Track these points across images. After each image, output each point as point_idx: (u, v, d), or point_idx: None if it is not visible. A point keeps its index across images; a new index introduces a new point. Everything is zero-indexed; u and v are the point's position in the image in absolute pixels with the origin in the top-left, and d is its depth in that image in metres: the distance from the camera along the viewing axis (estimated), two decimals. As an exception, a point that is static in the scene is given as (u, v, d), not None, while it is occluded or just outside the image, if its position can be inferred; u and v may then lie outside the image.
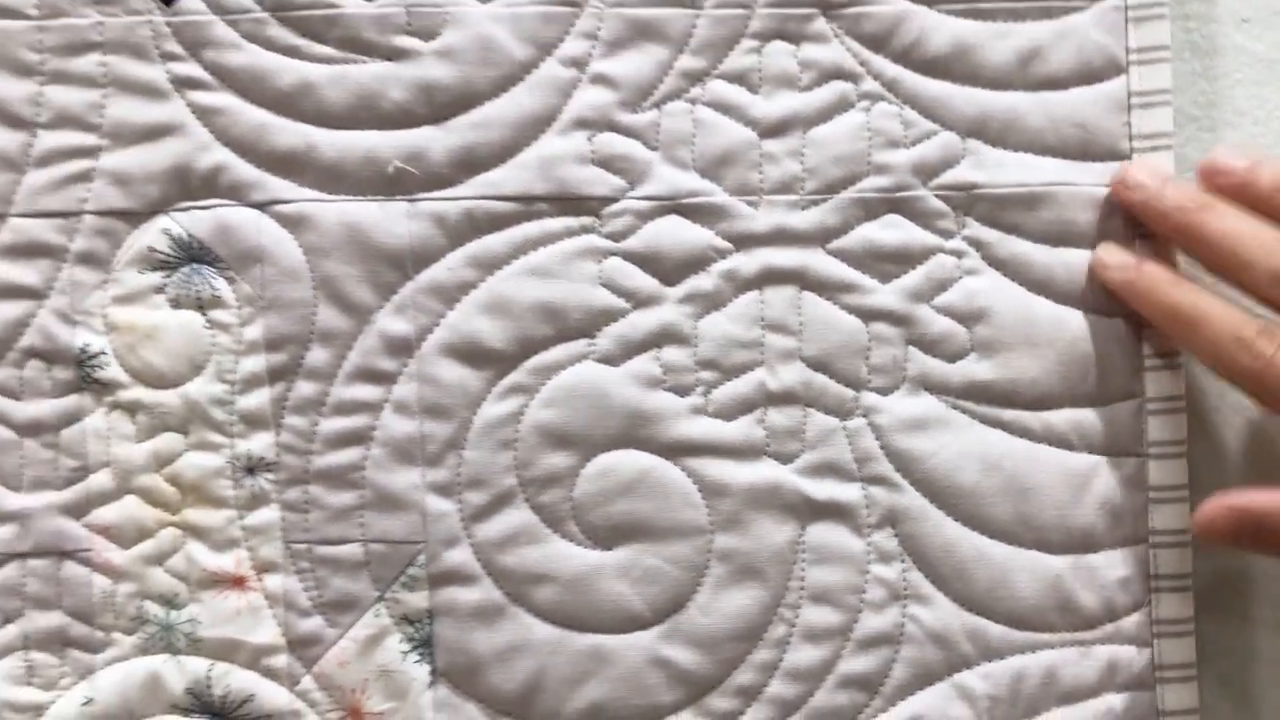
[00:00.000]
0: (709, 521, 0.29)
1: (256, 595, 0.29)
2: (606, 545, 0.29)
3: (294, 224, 0.29)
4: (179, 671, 0.29)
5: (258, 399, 0.29)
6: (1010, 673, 0.29)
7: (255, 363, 0.29)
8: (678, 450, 0.29)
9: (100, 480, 0.29)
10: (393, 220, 0.29)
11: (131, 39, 0.29)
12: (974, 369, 0.29)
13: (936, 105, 0.29)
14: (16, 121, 0.29)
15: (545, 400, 0.29)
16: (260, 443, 0.29)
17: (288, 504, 0.29)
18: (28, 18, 0.29)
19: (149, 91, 0.29)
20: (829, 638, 0.29)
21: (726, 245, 0.29)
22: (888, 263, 0.29)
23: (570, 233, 0.29)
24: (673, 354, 0.29)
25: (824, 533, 0.29)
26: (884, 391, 0.29)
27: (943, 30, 0.29)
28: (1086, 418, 0.29)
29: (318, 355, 0.29)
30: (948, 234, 0.29)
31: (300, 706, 0.29)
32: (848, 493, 0.29)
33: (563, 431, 0.29)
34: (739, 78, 0.29)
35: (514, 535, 0.29)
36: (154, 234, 0.29)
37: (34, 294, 0.29)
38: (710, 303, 0.29)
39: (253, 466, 0.29)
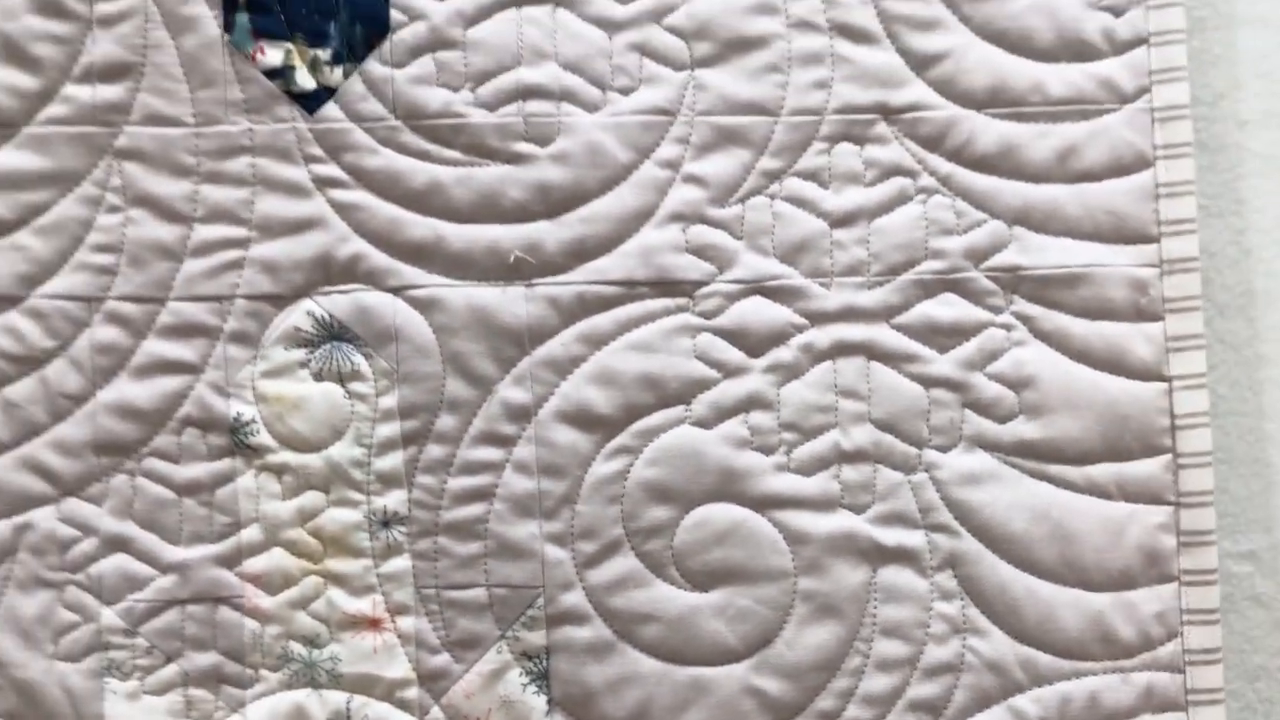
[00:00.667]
0: (793, 566, 0.33)
1: (391, 635, 0.33)
2: (704, 588, 0.33)
3: (425, 306, 0.33)
4: (321, 704, 0.33)
5: (392, 461, 0.33)
6: (1058, 697, 0.33)
7: (390, 429, 0.33)
8: (765, 503, 0.33)
9: (250, 534, 0.33)
10: (513, 302, 0.33)
11: (278, 143, 0.33)
12: (1022, 429, 0.33)
13: (985, 197, 0.33)
14: (176, 216, 0.33)
15: (648, 460, 0.33)
16: (394, 499, 0.33)
17: (419, 553, 0.33)
18: (186, 125, 0.33)
19: (294, 190, 0.33)
20: (899, 667, 0.33)
21: (803, 321, 0.33)
22: (944, 336, 0.33)
23: (668, 312, 0.33)
24: (759, 418, 0.33)
25: (893, 575, 0.33)
26: (943, 449, 0.33)
27: (990, 132, 0.33)
28: (1124, 471, 0.33)
29: (446, 421, 0.33)
30: (997, 310, 0.33)
31: None
32: (913, 539, 0.33)
33: (664, 487, 0.33)
34: (812, 175, 0.33)
35: (622, 580, 0.33)
36: (299, 315, 0.33)
37: (191, 369, 0.33)
38: (790, 372, 0.33)
39: (388, 520, 0.33)
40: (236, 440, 0.33)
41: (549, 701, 0.33)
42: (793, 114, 0.33)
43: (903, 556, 0.33)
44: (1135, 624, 0.33)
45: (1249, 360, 0.35)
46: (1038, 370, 0.33)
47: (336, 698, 0.33)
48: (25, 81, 0.33)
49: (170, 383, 0.33)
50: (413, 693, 0.33)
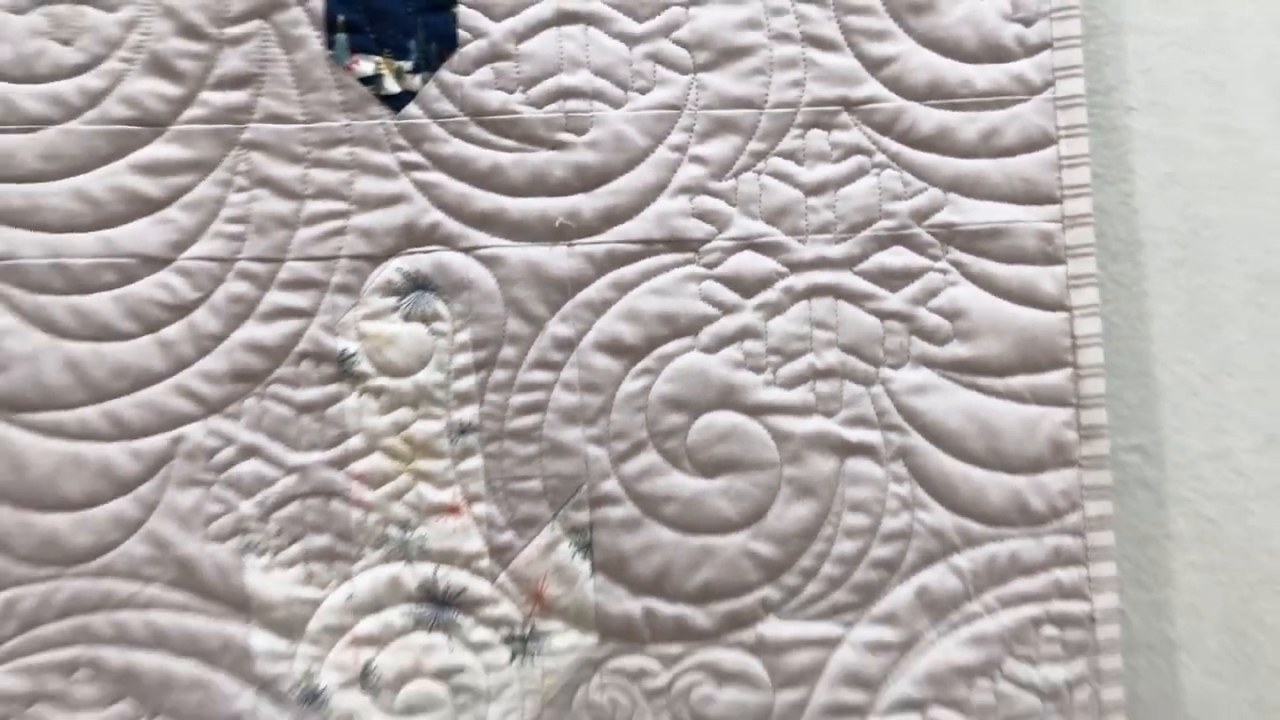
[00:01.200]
0: (779, 458, 0.42)
1: (467, 519, 0.42)
2: (710, 476, 0.42)
3: (490, 262, 0.42)
4: (412, 574, 0.42)
5: (466, 383, 0.42)
6: (986, 555, 0.42)
7: (464, 358, 0.42)
8: (756, 410, 0.42)
9: (355, 442, 0.42)
10: (558, 258, 0.42)
11: (370, 136, 0.42)
12: (956, 350, 0.42)
13: (926, 170, 0.43)
14: (291, 194, 0.42)
15: (665, 379, 0.42)
16: (469, 413, 0.42)
17: (489, 455, 0.42)
18: (297, 122, 0.42)
19: (384, 172, 0.42)
20: (862, 535, 0.42)
21: (785, 269, 0.42)
22: (895, 279, 0.43)
23: (678, 264, 0.42)
24: (750, 345, 0.42)
25: (857, 464, 0.42)
26: (895, 367, 0.43)
27: (929, 119, 0.43)
28: (1036, 380, 0.42)
29: (508, 352, 0.42)
30: (936, 258, 0.43)
31: (499, 595, 0.42)
32: (872, 437, 0.42)
33: (678, 399, 0.42)
34: (790, 155, 0.43)
35: (647, 470, 0.42)
36: (390, 271, 0.42)
37: (306, 314, 0.42)
38: (775, 309, 0.42)
39: (464, 429, 0.42)
40: (343, 369, 0.42)
41: (592, 566, 0.42)
42: (774, 107, 0.42)
43: (864, 450, 0.42)
44: (1046, 499, 0.42)
45: (1135, 295, 0.45)
46: (968, 304, 0.42)
47: (424, 569, 0.42)
48: (171, 90, 0.42)
49: (289, 325, 0.42)
50: (485, 563, 0.42)
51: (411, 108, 0.42)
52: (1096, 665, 0.42)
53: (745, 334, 0.42)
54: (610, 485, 0.42)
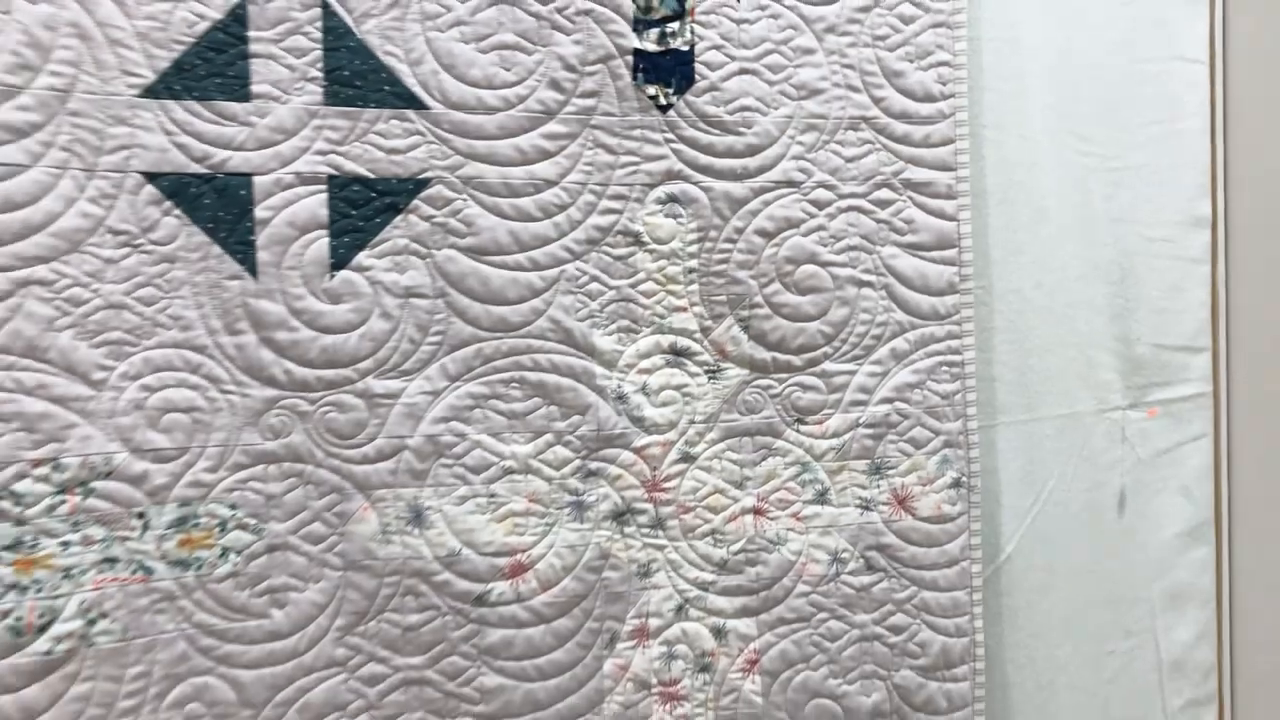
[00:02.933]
0: (833, 284, 0.90)
1: (689, 314, 0.88)
2: (804, 294, 0.90)
3: (706, 190, 0.87)
4: (665, 341, 0.87)
5: (693, 248, 0.87)
6: (918, 334, 0.93)
7: (692, 235, 0.87)
8: (825, 264, 0.90)
9: (639, 276, 0.86)
10: (738, 188, 0.88)
11: (652, 124, 0.85)
12: (909, 238, 0.92)
13: (899, 151, 0.91)
14: (612, 151, 0.85)
15: (784, 246, 0.89)
16: (693, 262, 0.87)
17: (702, 283, 0.87)
18: (617, 116, 0.85)
19: (656, 143, 0.86)
20: (867, 324, 0.92)
21: (837, 198, 0.90)
22: (883, 204, 0.91)
23: (791, 194, 0.89)
24: (821, 233, 0.90)
25: (866, 291, 0.91)
26: (882, 245, 0.91)
27: (901, 126, 0.91)
28: (941, 254, 0.93)
29: (712, 233, 0.88)
30: (900, 193, 0.91)
31: (703, 350, 0.88)
32: (874, 279, 0.91)
33: (790, 257, 0.89)
34: (839, 142, 0.90)
35: (774, 292, 0.89)
36: (658, 192, 0.86)
37: (619, 212, 0.85)
38: (834, 215, 0.90)
39: (690, 270, 0.87)
40: (636, 239, 0.86)
41: (748, 337, 0.89)
42: (834, 120, 0.89)
43: (869, 284, 0.91)
44: (942, 311, 0.93)
45: (1006, 242, 0.95)
46: (914, 216, 0.91)
47: (670, 338, 0.88)
48: (558, 96, 0.83)
49: (612, 217, 0.85)
50: (697, 335, 0.88)
51: (671, 113, 0.86)
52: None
53: (821, 227, 0.89)
54: (759, 300, 0.88)
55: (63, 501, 0.73)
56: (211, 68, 0.76)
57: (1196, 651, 1.01)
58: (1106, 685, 0.99)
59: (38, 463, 0.72)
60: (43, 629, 0.72)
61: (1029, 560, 0.96)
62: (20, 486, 0.72)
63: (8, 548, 0.71)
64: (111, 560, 0.74)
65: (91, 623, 0.74)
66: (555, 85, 0.83)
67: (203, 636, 0.77)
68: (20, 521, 0.72)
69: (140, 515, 0.75)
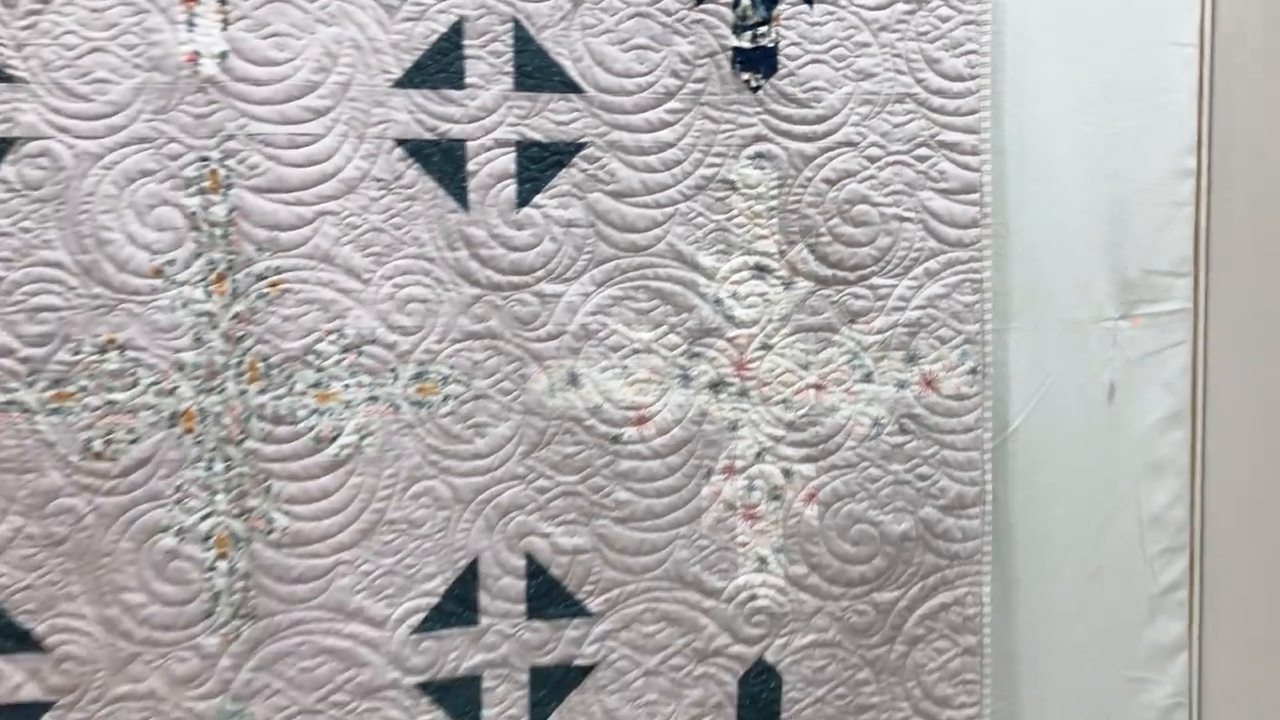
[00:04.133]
0: (890, 203, 1.22)
1: (770, 240, 1.20)
2: (857, 227, 1.21)
3: (784, 148, 1.19)
4: (752, 260, 1.20)
5: (774, 190, 1.20)
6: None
7: (773, 180, 1.20)
8: (875, 186, 1.21)
9: (734, 213, 1.19)
10: (809, 149, 1.20)
11: (746, 101, 1.17)
12: (940, 184, 1.22)
13: (934, 118, 1.21)
14: (715, 121, 1.17)
15: (843, 190, 1.21)
16: (774, 201, 1.20)
17: (782, 214, 1.20)
18: (720, 94, 1.17)
19: (749, 115, 1.17)
20: (911, 233, 1.22)
21: (884, 153, 1.21)
22: (923, 159, 1.21)
23: (850, 152, 1.20)
24: (871, 167, 1.21)
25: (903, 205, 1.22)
26: (920, 190, 1.22)
27: (936, 100, 1.21)
28: (966, 197, 1.22)
29: (788, 181, 1.20)
30: (934, 150, 1.21)
31: (781, 267, 1.21)
32: (911, 200, 1.22)
33: (850, 198, 1.21)
34: (888, 113, 1.20)
35: (829, 227, 1.21)
36: (749, 150, 1.18)
37: (719, 165, 1.18)
38: (889, 164, 1.21)
39: (773, 208, 1.20)
40: (732, 185, 1.19)
41: (814, 259, 1.21)
42: (884, 96, 1.20)
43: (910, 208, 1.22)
44: (960, 223, 1.23)
45: (1020, 189, 1.24)
46: (946, 167, 1.21)
47: (755, 258, 1.20)
48: (677, 82, 1.16)
49: (715, 169, 1.19)
50: (775, 254, 1.21)
51: (760, 93, 1.18)
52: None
53: (872, 176, 1.20)
54: (823, 230, 1.20)
55: (344, 358, 1.11)
56: (439, 66, 1.12)
57: (1172, 511, 1.30)
58: (1095, 533, 1.29)
59: (330, 332, 1.11)
60: (333, 440, 1.11)
61: (1032, 434, 1.26)
62: (319, 347, 1.10)
63: (313, 385, 1.10)
64: (374, 398, 1.13)
65: (362, 438, 1.12)
66: (675, 74, 1.16)
67: (431, 453, 1.15)
68: (319, 369, 1.11)
69: (392, 370, 1.13)
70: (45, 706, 1.09)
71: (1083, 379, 1.27)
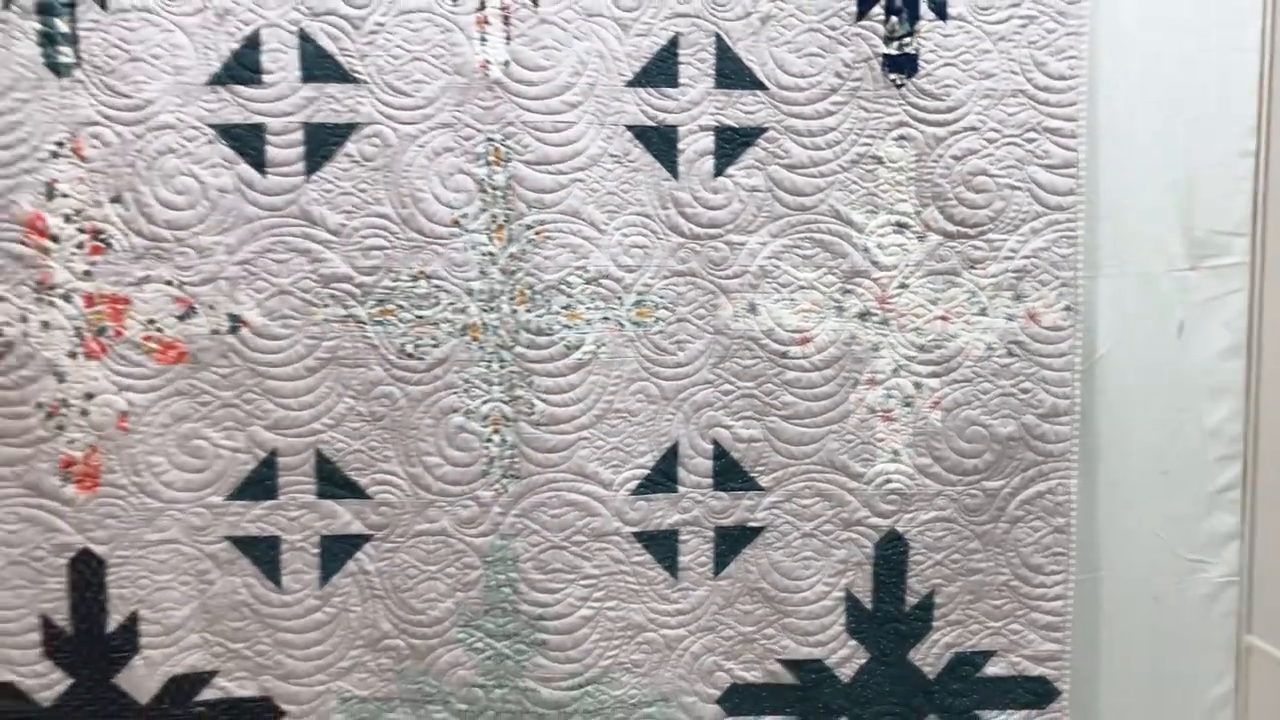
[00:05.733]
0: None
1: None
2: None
3: (919, 131, 1.54)
4: (892, 218, 1.55)
5: (913, 163, 1.54)
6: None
7: (906, 155, 1.54)
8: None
9: (876, 169, 1.54)
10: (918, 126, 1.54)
11: (890, 95, 1.52)
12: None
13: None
14: (864, 119, 1.52)
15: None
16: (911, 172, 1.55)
17: (919, 171, 1.55)
18: (873, 89, 1.52)
19: (890, 102, 1.52)
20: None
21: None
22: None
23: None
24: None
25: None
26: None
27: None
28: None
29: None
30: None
31: (911, 205, 1.56)
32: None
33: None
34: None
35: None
36: (894, 132, 1.53)
37: (866, 144, 1.53)
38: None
39: (912, 180, 1.55)
40: (878, 160, 1.54)
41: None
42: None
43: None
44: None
45: (1110, 164, 1.56)
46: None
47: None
48: (836, 82, 1.52)
49: (865, 149, 1.54)
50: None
51: (903, 89, 1.52)
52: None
53: (990, 154, 1.53)
54: (951, 196, 1.54)
55: (587, 288, 1.50)
56: (660, 70, 1.49)
57: (1229, 425, 1.61)
58: (1164, 441, 1.61)
59: (577, 268, 1.49)
60: (577, 348, 1.50)
61: (1115, 360, 1.59)
62: (569, 279, 1.49)
63: (564, 307, 1.49)
64: (606, 318, 1.51)
65: (598, 348, 1.51)
66: (838, 75, 1.51)
67: (645, 361, 1.53)
68: (569, 296, 1.50)
69: (619, 298, 1.51)
70: (366, 538, 1.50)
71: (1157, 317, 1.59)
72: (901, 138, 1.51)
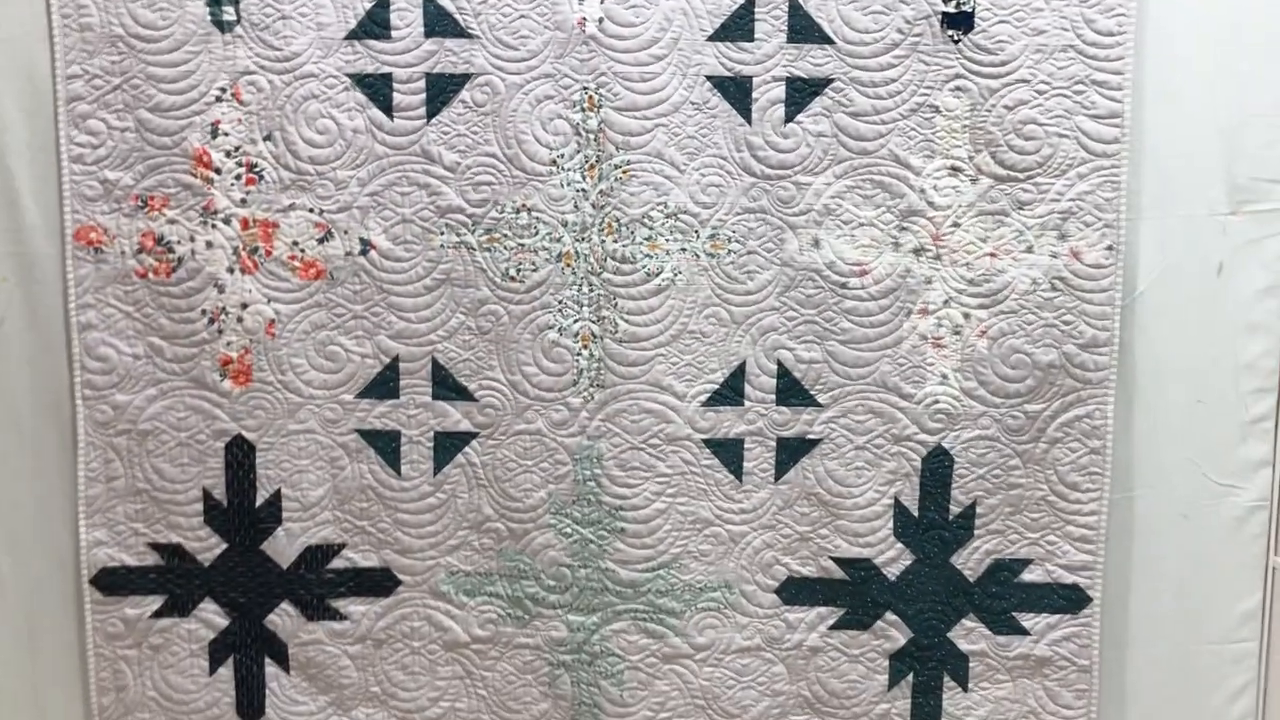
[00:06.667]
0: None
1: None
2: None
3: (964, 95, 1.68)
4: (947, 162, 1.71)
5: (965, 121, 1.69)
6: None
7: (961, 139, 1.69)
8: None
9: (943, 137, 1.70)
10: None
11: (945, 49, 1.67)
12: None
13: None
14: (924, 71, 1.68)
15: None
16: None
17: (974, 128, 1.70)
18: (930, 45, 1.67)
19: (956, 81, 1.67)
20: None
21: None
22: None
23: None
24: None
25: (1063, 139, 1.69)
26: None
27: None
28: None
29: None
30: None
31: (971, 168, 1.71)
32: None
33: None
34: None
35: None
36: (950, 85, 1.68)
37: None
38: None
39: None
40: (930, 137, 1.69)
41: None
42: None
43: (1066, 136, 1.69)
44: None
45: (1155, 119, 1.68)
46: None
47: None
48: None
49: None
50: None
51: (960, 44, 1.67)
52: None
53: (1040, 104, 1.67)
54: (1002, 142, 1.68)
55: (667, 222, 1.70)
56: (737, 26, 1.66)
57: (1263, 360, 1.72)
58: (1201, 372, 1.73)
59: (658, 204, 1.69)
60: (657, 275, 1.70)
61: (1155, 297, 1.72)
62: (651, 213, 1.69)
63: (646, 238, 1.70)
64: (683, 249, 1.71)
65: (675, 275, 1.71)
66: (899, 31, 1.66)
67: (717, 289, 1.71)
68: (650, 228, 1.70)
69: (695, 231, 1.70)
70: (473, 435, 1.74)
71: (1197, 258, 1.70)
72: (958, 89, 1.66)
